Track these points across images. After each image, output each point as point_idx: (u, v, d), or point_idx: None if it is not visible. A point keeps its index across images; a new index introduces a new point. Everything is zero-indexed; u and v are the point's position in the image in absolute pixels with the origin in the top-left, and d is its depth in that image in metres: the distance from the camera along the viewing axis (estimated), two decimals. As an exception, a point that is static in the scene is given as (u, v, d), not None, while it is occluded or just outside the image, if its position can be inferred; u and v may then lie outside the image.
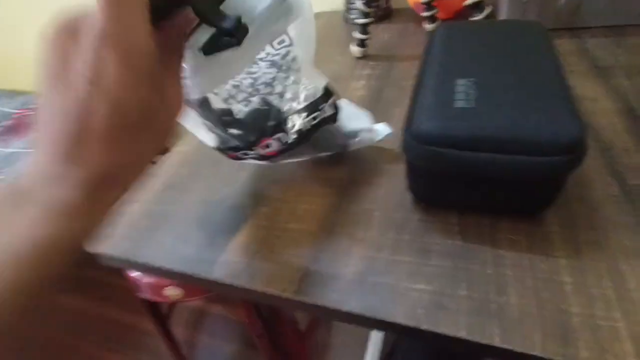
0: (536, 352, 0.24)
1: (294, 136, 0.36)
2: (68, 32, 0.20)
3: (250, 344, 1.22)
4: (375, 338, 1.04)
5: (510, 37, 0.40)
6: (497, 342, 0.25)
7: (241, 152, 0.36)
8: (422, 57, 0.42)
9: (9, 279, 0.17)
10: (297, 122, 0.35)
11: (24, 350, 1.32)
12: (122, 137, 0.20)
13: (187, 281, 0.34)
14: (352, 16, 0.78)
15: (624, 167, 0.36)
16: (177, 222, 0.38)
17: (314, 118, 0.36)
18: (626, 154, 0.37)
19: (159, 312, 0.96)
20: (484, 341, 0.25)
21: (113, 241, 0.37)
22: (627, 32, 0.56)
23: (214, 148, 0.38)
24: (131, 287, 0.89)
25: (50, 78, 0.20)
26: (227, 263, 0.33)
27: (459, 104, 0.31)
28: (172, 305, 1.13)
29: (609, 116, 0.42)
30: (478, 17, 0.55)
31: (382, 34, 0.71)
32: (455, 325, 0.26)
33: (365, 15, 0.59)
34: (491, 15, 0.57)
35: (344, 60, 0.64)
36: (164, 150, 0.25)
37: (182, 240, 0.36)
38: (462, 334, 0.25)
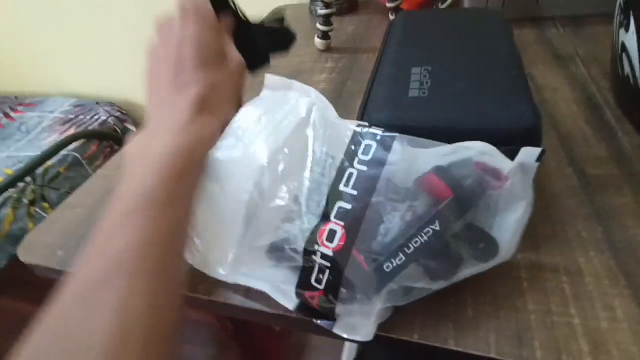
0: (491, 354, 0.23)
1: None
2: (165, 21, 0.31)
3: (226, 347, 1.19)
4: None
5: (468, 26, 0.39)
6: (451, 344, 0.23)
7: None
8: (380, 47, 0.41)
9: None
10: None
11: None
12: (205, 65, 0.29)
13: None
14: (317, 8, 0.75)
15: (582, 156, 0.35)
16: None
17: None
18: (585, 143, 0.36)
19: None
20: (438, 344, 0.23)
21: (49, 251, 0.34)
22: (586, 21, 0.56)
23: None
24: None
25: (156, 45, 0.31)
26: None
27: (413, 93, 0.29)
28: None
29: (569, 105, 0.41)
30: (442, 5, 0.54)
31: (347, 26, 0.69)
32: (410, 328, 0.24)
33: (327, 5, 0.57)
34: (454, 5, 0.57)
35: (308, 53, 0.62)
36: (239, 104, 0.32)
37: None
38: (415, 337, 0.24)
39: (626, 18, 0.36)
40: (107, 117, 1.18)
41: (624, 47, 0.36)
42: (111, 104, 1.25)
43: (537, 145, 0.26)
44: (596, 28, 0.54)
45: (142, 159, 0.24)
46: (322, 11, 0.58)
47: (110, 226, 0.21)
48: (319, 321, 0.24)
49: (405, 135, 0.24)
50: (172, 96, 0.28)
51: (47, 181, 0.98)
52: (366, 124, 0.26)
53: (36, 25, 1.22)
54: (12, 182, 0.91)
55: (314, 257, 0.23)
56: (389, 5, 0.65)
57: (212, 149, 0.27)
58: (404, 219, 0.23)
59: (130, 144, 0.26)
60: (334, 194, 0.24)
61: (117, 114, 1.22)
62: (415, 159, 0.23)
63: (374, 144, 0.24)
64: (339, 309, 0.23)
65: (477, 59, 0.33)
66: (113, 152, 1.16)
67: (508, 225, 0.22)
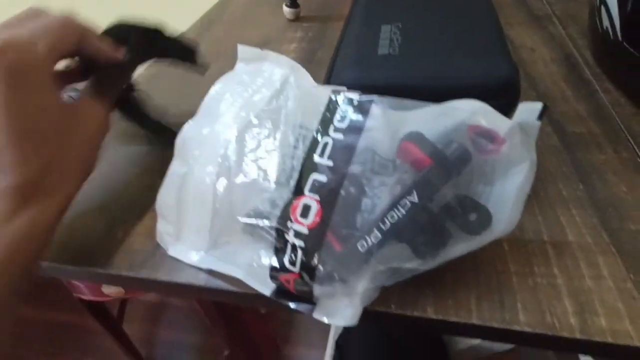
0: (473, 321, 0.21)
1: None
2: None
3: (213, 333, 1.18)
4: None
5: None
6: (430, 313, 0.22)
7: None
8: (350, 7, 0.38)
9: None
10: None
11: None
12: (29, 139, 0.21)
13: (82, 278, 0.29)
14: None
15: (562, 115, 0.34)
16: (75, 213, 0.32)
17: None
18: (564, 102, 0.35)
19: (103, 311, 0.89)
20: (416, 313, 0.22)
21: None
22: (563, -20, 0.54)
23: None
24: (69, 289, 0.81)
25: None
26: (128, 252, 0.28)
27: (382, 50, 0.27)
28: (124, 302, 1.05)
29: (547, 65, 0.40)
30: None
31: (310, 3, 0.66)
32: (387, 298, 0.23)
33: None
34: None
35: (276, 22, 0.59)
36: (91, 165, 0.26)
37: (76, 230, 0.30)
38: (392, 307, 0.22)
39: (604, -32, 0.34)
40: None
41: (602, 0, 0.35)
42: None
43: (514, 100, 0.25)
44: (573, -14, 0.53)
45: None
46: (289, -19, 0.55)
47: None
48: (296, 305, 0.22)
49: (386, 98, 0.21)
50: None
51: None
52: (344, 88, 0.23)
53: None
54: None
55: (286, 235, 0.21)
56: (360, -30, 0.62)
57: (48, 239, 0.22)
58: (393, 193, 0.21)
59: None
60: (308, 166, 0.21)
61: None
62: (401, 124, 0.21)
63: (349, 109, 0.22)
64: (317, 291, 0.21)
65: (451, 14, 0.31)
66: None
67: (508, 193, 0.20)
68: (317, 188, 0.21)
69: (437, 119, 0.21)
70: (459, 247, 0.21)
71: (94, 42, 0.26)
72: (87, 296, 0.76)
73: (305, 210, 0.21)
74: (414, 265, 0.21)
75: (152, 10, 0.99)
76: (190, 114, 0.29)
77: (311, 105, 0.24)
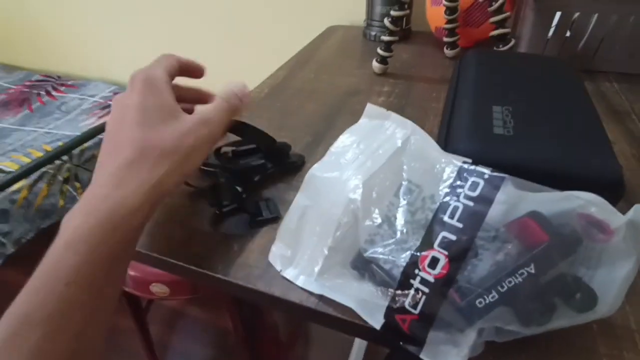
0: None
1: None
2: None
3: (225, 350, 1.18)
4: (356, 354, 1.03)
5: (542, 71, 0.41)
6: None
7: None
8: (452, 80, 0.43)
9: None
10: None
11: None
12: (145, 125, 0.27)
13: (199, 279, 0.32)
14: (373, 32, 0.78)
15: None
16: (193, 216, 0.36)
17: None
18: (645, 199, 0.37)
19: (139, 308, 0.92)
20: None
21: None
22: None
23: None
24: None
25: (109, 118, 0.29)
26: (245, 266, 0.32)
27: (498, 130, 0.31)
28: (150, 302, 1.09)
29: (628, 160, 0.43)
30: (502, 48, 0.56)
31: (401, 53, 0.72)
32: (486, 354, 0.25)
33: (391, 33, 0.60)
34: (513, 49, 0.59)
35: (363, 74, 0.65)
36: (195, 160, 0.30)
37: (197, 236, 0.34)
38: (490, 364, 0.25)
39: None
40: (145, 108, 1.21)
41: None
42: (149, 95, 1.29)
43: (619, 196, 0.28)
44: (651, 88, 0.56)
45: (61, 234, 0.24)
46: (385, 38, 0.60)
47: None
48: (403, 344, 0.25)
49: (514, 177, 0.25)
50: (104, 162, 0.27)
51: (82, 162, 1.01)
52: (470, 160, 0.27)
53: (84, 11, 1.27)
54: (51, 158, 0.93)
55: (412, 281, 0.24)
56: (446, 39, 0.68)
57: (143, 215, 0.26)
58: (495, 258, 0.24)
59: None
60: (437, 224, 0.25)
61: (154, 106, 1.25)
62: (518, 201, 0.24)
63: (481, 182, 0.25)
64: (432, 335, 0.23)
65: (556, 104, 0.34)
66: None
67: (611, 280, 0.22)
68: (446, 244, 0.24)
69: (555, 203, 0.24)
70: (562, 321, 0.23)
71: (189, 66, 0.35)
72: (132, 290, 0.80)
73: (434, 262, 0.24)
74: (516, 328, 0.24)
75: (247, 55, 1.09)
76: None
77: (428, 168, 0.28)
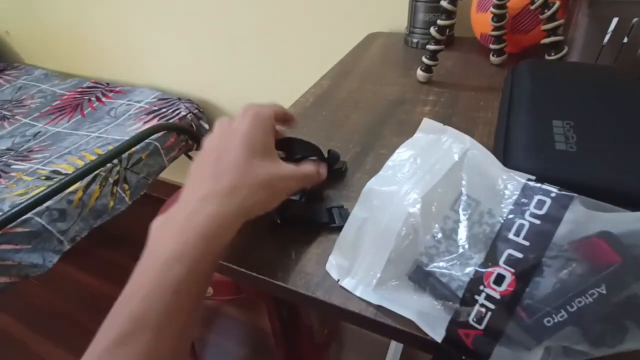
0: None
1: None
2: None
3: (261, 350, 1.21)
4: (392, 357, 1.02)
5: (602, 82, 0.39)
6: None
7: None
8: (504, 92, 0.42)
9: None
10: None
11: (38, 322, 1.34)
12: (249, 156, 0.31)
13: (255, 285, 0.34)
14: (415, 40, 0.78)
15: None
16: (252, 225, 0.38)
17: None
18: None
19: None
20: None
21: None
22: None
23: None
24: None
25: (211, 135, 0.33)
26: (303, 273, 0.33)
27: (560, 146, 0.31)
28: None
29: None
30: (553, 56, 0.55)
31: (445, 61, 0.71)
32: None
33: (437, 42, 0.60)
34: (565, 57, 0.57)
35: (407, 82, 0.65)
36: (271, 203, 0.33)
37: (257, 243, 0.36)
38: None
39: None
40: (187, 113, 1.27)
41: None
42: (190, 101, 1.34)
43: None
44: None
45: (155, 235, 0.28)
46: (431, 47, 0.60)
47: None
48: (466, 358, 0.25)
49: (584, 197, 0.25)
50: (205, 180, 0.30)
51: (131, 165, 1.06)
52: (534, 177, 0.27)
53: (132, 22, 1.34)
54: (103, 162, 0.99)
55: (476, 296, 0.25)
56: (492, 47, 0.67)
57: (223, 237, 0.29)
58: (558, 276, 0.24)
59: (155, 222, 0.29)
60: (502, 241, 0.25)
61: (195, 111, 1.31)
62: (587, 221, 0.24)
63: (548, 200, 0.25)
64: (497, 352, 0.24)
65: (620, 117, 0.34)
66: (187, 145, 1.24)
67: None
68: (512, 262, 0.24)
69: (627, 223, 0.24)
70: (633, 343, 0.23)
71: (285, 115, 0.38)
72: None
73: (499, 279, 0.24)
74: (584, 349, 0.23)
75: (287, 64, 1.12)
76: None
77: (490, 183, 0.28)
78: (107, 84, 1.47)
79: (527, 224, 0.25)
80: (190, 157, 1.30)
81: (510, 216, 0.26)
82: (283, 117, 0.37)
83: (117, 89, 1.42)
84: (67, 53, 1.58)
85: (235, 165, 0.30)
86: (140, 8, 1.29)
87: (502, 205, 0.27)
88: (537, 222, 0.25)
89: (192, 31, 1.26)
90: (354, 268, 0.31)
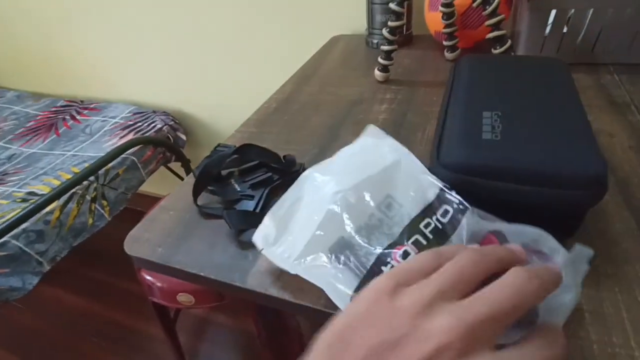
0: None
1: None
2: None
3: (252, 355, 1.22)
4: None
5: (533, 72, 0.42)
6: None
7: None
8: (447, 86, 0.45)
9: None
10: None
11: (23, 347, 1.33)
12: None
13: (221, 288, 0.35)
14: (375, 40, 0.81)
15: (640, 202, 0.37)
16: (210, 231, 0.40)
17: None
18: (642, 190, 0.39)
19: (167, 318, 0.97)
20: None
21: (150, 247, 0.39)
22: (642, 71, 0.58)
23: None
24: (140, 290, 0.90)
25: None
26: (259, 273, 0.35)
27: (486, 135, 0.33)
28: (178, 311, 1.14)
29: (625, 152, 0.44)
30: (498, 50, 0.57)
31: (403, 59, 0.74)
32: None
33: (390, 42, 0.62)
34: (510, 49, 0.60)
35: (366, 83, 0.67)
36: None
37: (215, 249, 0.38)
38: None
39: (688, 77, 0.38)
40: (162, 126, 1.27)
41: (684, 103, 0.39)
42: (166, 113, 1.35)
43: (603, 192, 0.29)
44: (652, 78, 0.56)
45: None
46: (385, 47, 0.63)
47: None
48: None
49: (476, 209, 0.29)
50: None
51: (108, 181, 1.06)
52: (448, 186, 0.31)
53: (105, 38, 1.34)
54: (79, 180, 0.99)
55: (383, 267, 0.28)
56: (445, 43, 0.69)
57: None
58: None
59: None
60: (413, 227, 0.29)
61: (171, 122, 1.31)
62: (479, 229, 0.28)
63: (451, 210, 0.30)
64: None
65: (544, 105, 0.36)
66: (165, 157, 1.24)
67: (552, 308, 0.22)
68: (418, 245, 0.28)
69: (510, 235, 0.27)
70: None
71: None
72: (160, 300, 0.84)
73: (405, 255, 0.28)
74: None
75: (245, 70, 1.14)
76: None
77: (414, 186, 0.31)
78: (82, 101, 1.47)
79: (433, 224, 0.29)
80: (170, 169, 1.31)
81: (423, 214, 0.30)
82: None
83: (91, 106, 1.42)
84: (40, 73, 1.57)
85: None
86: (109, 24, 1.30)
87: (419, 205, 0.30)
88: (440, 225, 0.29)
89: (163, 43, 1.27)
90: (280, 240, 0.33)
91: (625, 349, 0.26)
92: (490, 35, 0.57)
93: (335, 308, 0.30)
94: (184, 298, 0.79)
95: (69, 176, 1.04)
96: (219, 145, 0.48)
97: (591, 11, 0.57)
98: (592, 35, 0.59)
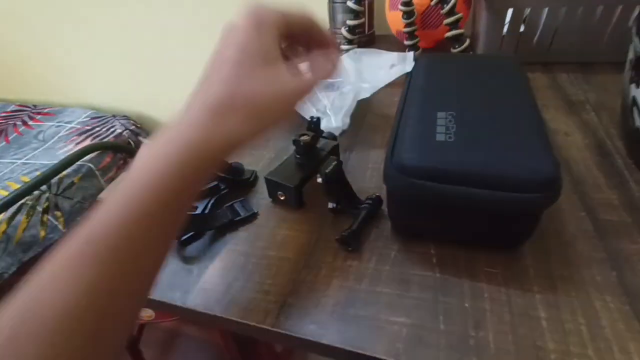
0: (513, 390, 0.24)
1: None
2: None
3: (224, 367, 1.18)
4: None
5: (488, 71, 0.41)
6: (474, 379, 0.25)
7: None
8: (404, 87, 0.43)
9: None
10: None
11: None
12: (243, 69, 0.25)
13: (159, 308, 0.32)
14: (337, 40, 0.79)
15: (595, 202, 0.37)
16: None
17: None
18: (597, 189, 0.38)
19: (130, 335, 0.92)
20: (462, 379, 0.25)
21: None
22: (595, 69, 0.59)
23: None
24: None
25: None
26: (203, 290, 0.32)
27: (440, 137, 0.32)
28: (143, 325, 1.08)
29: (581, 151, 0.44)
30: (457, 49, 0.57)
31: (366, 59, 0.73)
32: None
33: (349, 42, 0.61)
34: (469, 48, 0.60)
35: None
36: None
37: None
38: (440, 371, 0.25)
39: (637, 75, 0.38)
40: (123, 130, 1.21)
41: (635, 102, 0.39)
42: (126, 117, 1.28)
43: (557, 194, 0.28)
44: (606, 76, 0.57)
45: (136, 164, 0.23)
46: (345, 47, 0.61)
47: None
48: None
49: None
50: (194, 98, 0.26)
51: (61, 190, 1.00)
52: None
53: (59, 38, 1.27)
54: (29, 190, 0.92)
55: None
56: (406, 43, 0.68)
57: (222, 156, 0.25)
58: None
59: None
60: None
61: (132, 127, 1.25)
62: None
63: None
64: None
65: (498, 105, 0.35)
66: (126, 164, 1.18)
67: None
68: None
69: None
70: None
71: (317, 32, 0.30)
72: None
73: None
74: None
75: None
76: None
77: None
78: (35, 106, 1.38)
79: None
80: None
81: None
82: (306, 31, 0.29)
83: (45, 111, 1.34)
84: (-13, 77, 1.47)
85: (224, 81, 0.25)
86: (65, 24, 1.22)
87: None
88: None
89: (122, 44, 1.21)
90: None
91: (582, 358, 0.25)
92: (449, 34, 0.56)
93: (284, 329, 0.28)
94: (143, 313, 0.74)
95: (18, 186, 0.97)
96: None
97: (546, 10, 0.57)
98: (547, 35, 0.60)
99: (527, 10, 0.58)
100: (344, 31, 0.60)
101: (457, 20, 0.55)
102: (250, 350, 0.90)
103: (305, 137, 0.39)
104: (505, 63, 0.43)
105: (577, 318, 0.27)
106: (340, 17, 0.77)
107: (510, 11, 0.58)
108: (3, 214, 0.88)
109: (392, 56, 0.55)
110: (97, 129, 1.21)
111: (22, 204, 0.92)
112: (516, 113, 0.34)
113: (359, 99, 0.51)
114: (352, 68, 0.54)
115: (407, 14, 0.64)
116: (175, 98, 1.27)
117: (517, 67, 0.42)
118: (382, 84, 0.52)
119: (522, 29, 0.60)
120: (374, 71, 0.54)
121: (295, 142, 0.39)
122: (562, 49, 0.61)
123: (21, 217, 0.91)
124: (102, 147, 1.10)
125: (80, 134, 1.19)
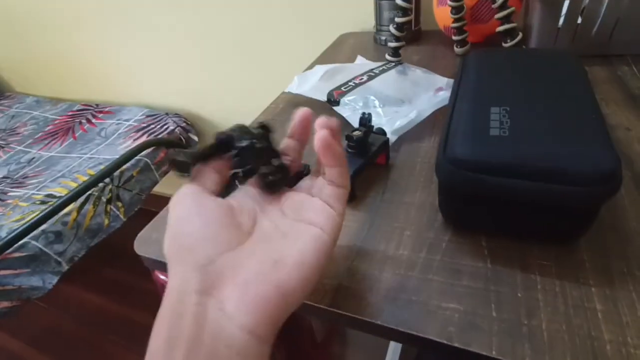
0: (567, 377, 0.25)
1: None
2: None
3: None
4: (392, 354, 1.04)
5: (543, 66, 0.41)
6: (528, 364, 0.25)
7: None
8: (454, 83, 0.44)
9: None
10: None
11: (45, 343, 1.37)
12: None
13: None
14: (383, 37, 0.80)
15: (658, 198, 0.36)
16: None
17: None
18: (660, 185, 0.37)
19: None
20: (515, 362, 0.26)
21: (158, 247, 0.39)
22: (661, 61, 0.56)
23: None
24: (156, 290, 0.92)
25: None
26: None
27: (494, 132, 0.32)
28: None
29: (642, 146, 0.42)
30: (509, 43, 0.56)
31: (412, 55, 0.73)
32: (487, 345, 0.27)
33: (397, 39, 0.61)
34: (522, 42, 0.59)
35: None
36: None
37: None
38: (493, 353, 0.26)
39: None
40: (175, 127, 1.29)
41: None
42: (178, 115, 1.36)
43: (617, 188, 0.28)
44: (671, 68, 0.54)
45: None
46: (392, 44, 0.62)
47: None
48: None
49: None
50: None
51: (122, 182, 1.08)
52: None
53: (117, 41, 1.37)
54: (95, 182, 1.01)
55: None
56: (455, 38, 0.68)
57: None
58: None
59: None
60: None
61: (183, 124, 1.33)
62: None
63: None
64: None
65: (554, 100, 0.35)
66: (178, 159, 1.26)
67: None
68: None
69: None
70: None
71: None
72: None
73: None
74: None
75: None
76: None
77: None
78: (97, 105, 1.50)
79: None
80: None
81: None
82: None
83: (106, 110, 1.45)
84: (56, 78, 1.61)
85: None
86: (121, 28, 1.32)
87: None
88: None
89: (174, 45, 1.28)
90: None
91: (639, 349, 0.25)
92: (501, 28, 0.55)
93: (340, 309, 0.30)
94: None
95: (85, 178, 1.06)
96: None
97: (607, 1, 0.55)
98: (608, 26, 0.57)
99: (586, 1, 0.56)
100: (391, 28, 0.61)
101: (510, 14, 0.54)
102: (292, 336, 0.93)
103: (357, 133, 0.41)
104: (562, 57, 0.43)
105: (635, 312, 0.27)
106: (386, 14, 0.77)
107: (567, 3, 0.56)
108: (73, 203, 0.97)
109: (440, 80, 0.54)
110: (152, 126, 1.30)
111: (89, 194, 1.01)
112: (573, 107, 0.34)
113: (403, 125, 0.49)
114: (398, 87, 0.54)
115: (456, 9, 0.64)
116: (223, 98, 1.34)
117: (576, 61, 0.41)
118: (426, 113, 0.51)
119: (579, 21, 0.58)
120: (418, 92, 0.54)
121: (347, 137, 0.41)
122: (622, 41, 0.58)
123: (89, 207, 1.00)
124: (157, 143, 1.18)
125: (137, 131, 1.28)
